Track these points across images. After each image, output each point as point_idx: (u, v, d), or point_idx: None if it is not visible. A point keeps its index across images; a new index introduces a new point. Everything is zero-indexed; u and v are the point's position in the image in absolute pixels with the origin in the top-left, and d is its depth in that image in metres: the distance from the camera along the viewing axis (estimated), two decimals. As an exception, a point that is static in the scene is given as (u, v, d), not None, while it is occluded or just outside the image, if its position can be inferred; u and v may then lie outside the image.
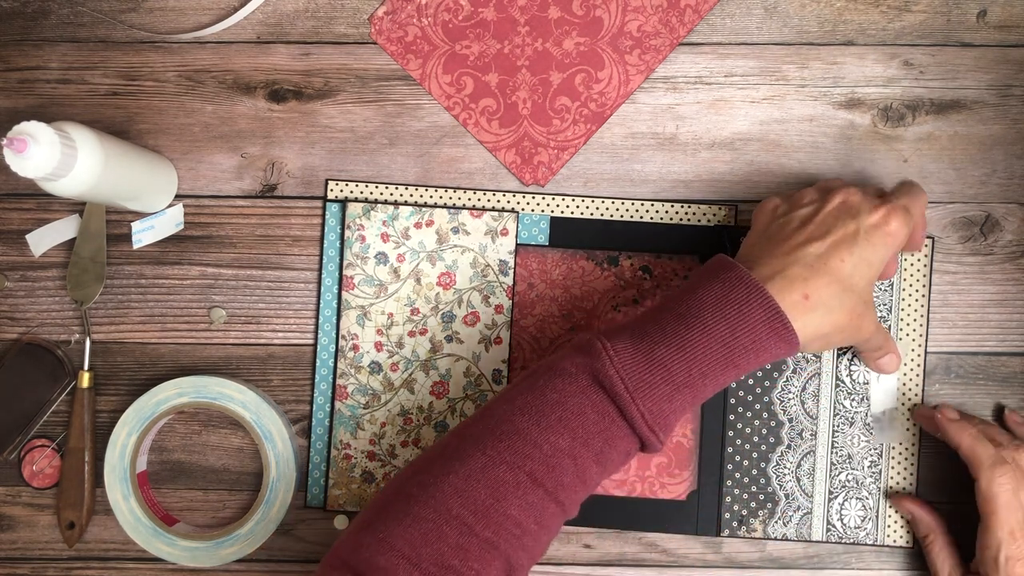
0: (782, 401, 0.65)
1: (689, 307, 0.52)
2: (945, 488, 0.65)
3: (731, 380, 0.52)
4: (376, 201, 0.66)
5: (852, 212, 0.54)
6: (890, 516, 0.65)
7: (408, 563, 0.47)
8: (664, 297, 0.55)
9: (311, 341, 0.67)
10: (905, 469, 0.65)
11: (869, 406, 0.65)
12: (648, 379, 0.50)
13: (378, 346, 0.66)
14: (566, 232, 0.66)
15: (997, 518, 0.57)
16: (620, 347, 0.51)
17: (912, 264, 0.65)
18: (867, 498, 0.65)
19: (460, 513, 0.48)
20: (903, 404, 0.65)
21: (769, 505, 0.65)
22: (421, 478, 0.50)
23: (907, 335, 0.65)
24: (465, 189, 0.67)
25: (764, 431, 0.65)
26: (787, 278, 0.52)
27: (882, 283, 0.65)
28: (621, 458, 0.52)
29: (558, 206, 0.66)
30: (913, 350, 0.65)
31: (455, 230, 0.66)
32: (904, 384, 0.65)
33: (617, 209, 0.66)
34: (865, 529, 0.65)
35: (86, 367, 0.66)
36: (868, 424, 0.65)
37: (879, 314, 0.65)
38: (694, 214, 0.66)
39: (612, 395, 0.50)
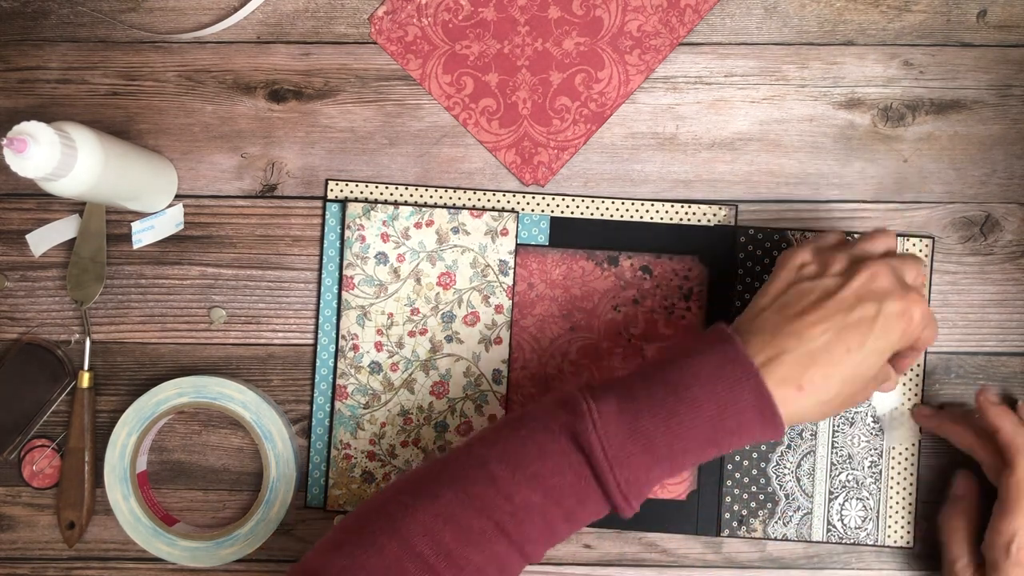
0: (782, 401, 0.65)
1: (681, 377, 0.50)
2: (945, 489, 0.65)
3: (711, 458, 0.51)
4: (376, 201, 0.66)
5: (878, 294, 0.51)
6: (891, 516, 0.65)
7: None
8: (658, 357, 0.53)
9: (311, 341, 0.67)
10: (905, 469, 0.65)
11: (874, 408, 0.65)
12: (629, 449, 0.49)
13: (378, 346, 0.66)
14: (566, 232, 0.66)
15: (1021, 505, 0.56)
16: (605, 410, 0.50)
17: (912, 264, 0.65)
18: (867, 498, 0.65)
19: (424, 552, 0.48)
20: (904, 404, 0.65)
21: (769, 505, 0.65)
22: (390, 509, 0.50)
23: (907, 335, 0.65)
24: (465, 189, 0.67)
25: (764, 431, 0.65)
26: (784, 364, 0.50)
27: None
28: (590, 518, 0.52)
29: (558, 206, 0.66)
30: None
31: (455, 230, 0.66)
32: (904, 384, 0.65)
33: (617, 209, 0.66)
34: (865, 529, 0.65)
35: (86, 367, 0.66)
36: (873, 427, 0.65)
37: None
38: (694, 214, 0.66)
39: (590, 460, 0.49)
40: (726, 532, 0.65)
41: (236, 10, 0.67)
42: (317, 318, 0.67)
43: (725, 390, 0.49)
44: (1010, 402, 0.65)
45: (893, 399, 0.65)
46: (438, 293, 0.66)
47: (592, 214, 0.66)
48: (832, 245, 0.56)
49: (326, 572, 0.49)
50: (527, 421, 0.52)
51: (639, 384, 0.51)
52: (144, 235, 0.67)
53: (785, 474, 0.65)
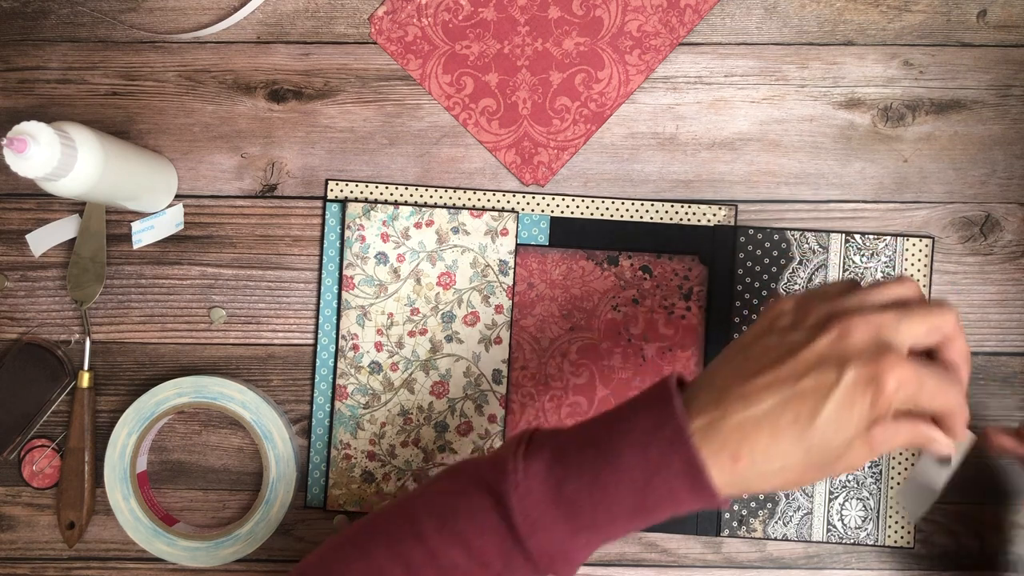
0: (782, 401, 0.65)
1: (612, 438, 0.46)
2: (945, 489, 0.65)
3: (643, 527, 0.47)
4: (376, 201, 0.66)
5: (840, 359, 0.44)
6: (890, 516, 0.65)
7: None
8: (609, 409, 0.49)
9: (311, 341, 0.67)
10: (906, 470, 0.65)
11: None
12: (551, 514, 0.46)
13: (378, 346, 0.66)
14: (566, 232, 0.66)
15: None
16: (533, 471, 0.47)
17: (912, 264, 0.65)
18: (867, 498, 0.65)
19: None
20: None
21: (769, 505, 0.65)
22: (329, 566, 0.50)
23: (907, 335, 0.65)
24: (465, 189, 0.67)
25: (764, 431, 0.65)
26: (722, 432, 0.44)
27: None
28: None
29: (558, 206, 0.66)
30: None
31: (455, 230, 0.66)
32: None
33: (617, 209, 0.66)
34: (865, 529, 0.65)
35: (86, 367, 0.66)
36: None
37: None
38: (694, 214, 0.66)
39: (510, 524, 0.46)
40: (726, 532, 0.65)
41: (236, 10, 0.67)
42: (317, 318, 0.67)
43: (655, 455, 0.45)
44: None
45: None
46: (438, 293, 0.66)
47: (592, 214, 0.66)
48: (826, 294, 0.48)
49: None
50: (462, 474, 0.50)
51: (575, 442, 0.48)
52: (144, 235, 0.67)
53: (785, 474, 0.65)
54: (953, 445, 0.47)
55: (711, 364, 0.48)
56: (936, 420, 0.46)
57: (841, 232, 0.66)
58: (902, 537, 0.65)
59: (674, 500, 0.45)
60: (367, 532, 0.51)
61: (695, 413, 0.45)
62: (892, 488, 0.65)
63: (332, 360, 0.66)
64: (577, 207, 0.66)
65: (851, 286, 0.48)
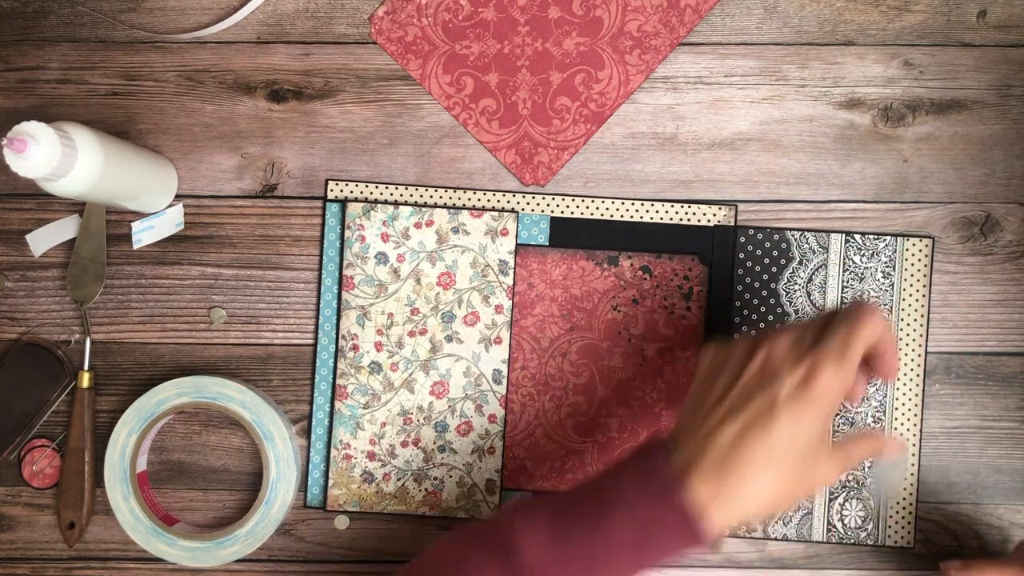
0: (782, 401, 0.65)
1: (607, 497, 0.49)
2: (945, 489, 0.65)
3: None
4: (376, 201, 0.66)
5: (770, 377, 0.49)
6: (891, 517, 0.65)
7: None
8: (600, 472, 0.52)
9: (311, 341, 0.67)
10: (906, 470, 0.65)
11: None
12: (557, 571, 0.48)
13: (378, 346, 0.66)
14: (566, 232, 0.66)
15: None
16: (538, 529, 0.49)
17: (912, 264, 0.65)
18: (867, 499, 0.65)
19: None
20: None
21: (769, 505, 0.65)
22: None
23: (907, 335, 0.65)
24: (465, 189, 0.67)
25: (764, 431, 0.65)
26: (701, 472, 0.48)
27: (882, 284, 0.65)
28: None
29: (558, 206, 0.66)
30: (913, 350, 0.65)
31: (455, 230, 0.66)
32: (904, 384, 0.65)
33: (617, 209, 0.66)
34: (865, 530, 0.65)
35: (86, 367, 0.66)
36: (873, 428, 0.65)
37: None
38: (694, 214, 0.66)
39: None
40: (726, 532, 0.65)
41: (236, 10, 0.67)
42: (317, 318, 0.67)
43: (647, 512, 0.48)
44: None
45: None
46: (438, 293, 0.66)
47: (592, 214, 0.66)
48: (737, 338, 0.54)
49: None
50: (461, 542, 0.51)
51: (571, 502, 0.50)
52: (144, 235, 0.67)
53: (785, 474, 0.65)
54: (904, 447, 0.57)
55: (681, 412, 0.53)
56: (876, 357, 0.52)
57: (841, 232, 0.66)
58: (902, 537, 0.65)
59: (668, 548, 0.48)
60: None
61: (680, 459, 0.49)
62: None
63: (332, 360, 0.66)
64: (577, 207, 0.66)
65: (798, 332, 0.52)
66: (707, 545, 0.48)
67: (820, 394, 0.48)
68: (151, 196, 0.65)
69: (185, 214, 0.67)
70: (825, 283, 0.65)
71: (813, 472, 0.49)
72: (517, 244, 0.66)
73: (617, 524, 0.48)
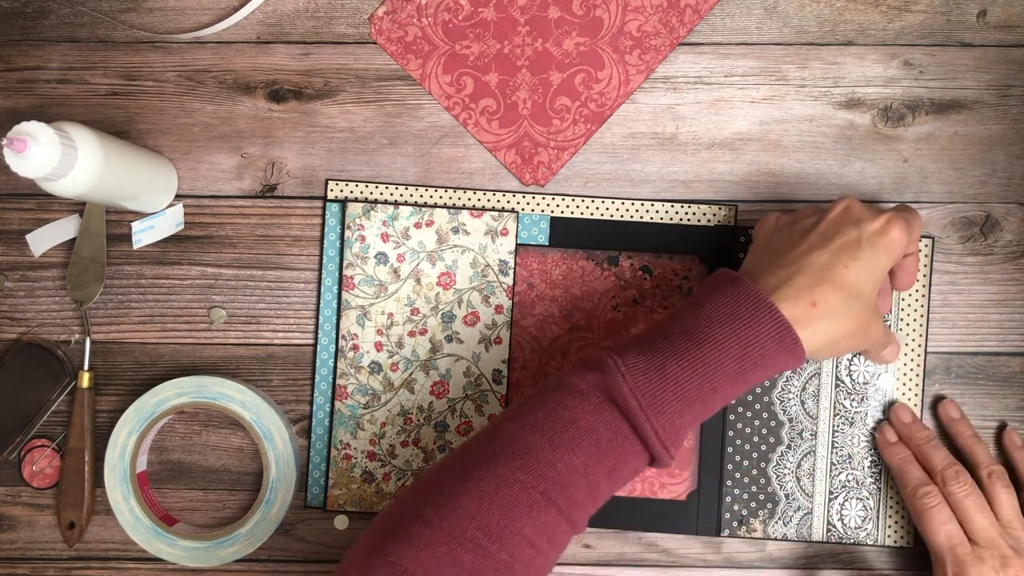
0: (782, 401, 0.65)
1: (698, 322, 0.52)
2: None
3: (739, 394, 0.52)
4: (376, 201, 0.66)
5: (854, 220, 0.55)
6: (890, 516, 0.65)
7: None
8: (669, 313, 0.54)
9: (311, 341, 0.67)
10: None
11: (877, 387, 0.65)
12: (661, 396, 0.50)
13: (378, 346, 0.66)
14: (566, 232, 0.66)
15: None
16: (632, 363, 0.51)
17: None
18: (867, 498, 0.65)
19: (474, 536, 0.48)
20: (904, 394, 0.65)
21: (769, 505, 0.65)
22: (433, 498, 0.49)
23: (907, 335, 0.65)
24: (465, 189, 0.67)
25: (764, 431, 0.65)
26: (793, 287, 0.52)
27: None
28: (631, 474, 0.52)
29: (558, 206, 0.66)
30: (913, 350, 0.65)
31: (455, 230, 0.66)
32: (904, 384, 0.65)
33: (617, 209, 0.66)
34: (865, 529, 0.65)
35: (86, 367, 0.66)
36: (873, 428, 0.65)
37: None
38: (694, 214, 0.66)
39: (625, 413, 0.50)
40: (726, 532, 0.65)
41: (236, 10, 0.67)
42: (317, 318, 0.67)
43: (743, 325, 0.51)
44: (998, 429, 0.65)
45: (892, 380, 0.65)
46: (438, 293, 0.66)
47: (592, 214, 0.66)
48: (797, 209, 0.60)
49: (375, 574, 0.48)
50: (553, 389, 0.52)
51: (658, 337, 0.52)
52: (144, 235, 0.67)
53: (785, 474, 0.65)
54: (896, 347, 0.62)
55: (745, 263, 0.58)
56: (899, 268, 0.60)
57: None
58: (902, 537, 0.65)
59: (767, 362, 0.52)
60: (465, 465, 0.51)
61: (761, 286, 0.53)
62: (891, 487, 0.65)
63: (332, 360, 0.66)
64: (577, 207, 0.66)
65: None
66: (802, 361, 0.52)
67: (893, 244, 0.54)
68: (151, 196, 0.65)
69: (185, 214, 0.67)
70: (825, 283, 0.65)
71: (872, 324, 0.55)
72: (517, 244, 0.66)
73: (716, 339, 0.51)
